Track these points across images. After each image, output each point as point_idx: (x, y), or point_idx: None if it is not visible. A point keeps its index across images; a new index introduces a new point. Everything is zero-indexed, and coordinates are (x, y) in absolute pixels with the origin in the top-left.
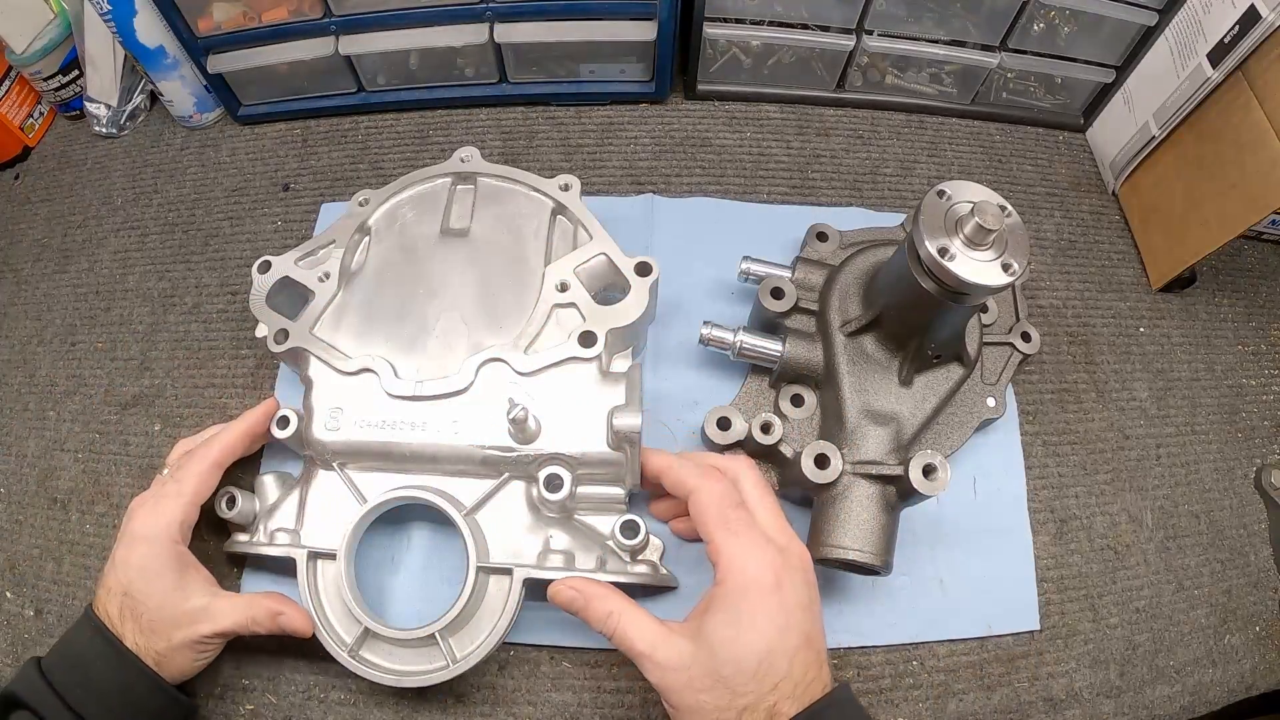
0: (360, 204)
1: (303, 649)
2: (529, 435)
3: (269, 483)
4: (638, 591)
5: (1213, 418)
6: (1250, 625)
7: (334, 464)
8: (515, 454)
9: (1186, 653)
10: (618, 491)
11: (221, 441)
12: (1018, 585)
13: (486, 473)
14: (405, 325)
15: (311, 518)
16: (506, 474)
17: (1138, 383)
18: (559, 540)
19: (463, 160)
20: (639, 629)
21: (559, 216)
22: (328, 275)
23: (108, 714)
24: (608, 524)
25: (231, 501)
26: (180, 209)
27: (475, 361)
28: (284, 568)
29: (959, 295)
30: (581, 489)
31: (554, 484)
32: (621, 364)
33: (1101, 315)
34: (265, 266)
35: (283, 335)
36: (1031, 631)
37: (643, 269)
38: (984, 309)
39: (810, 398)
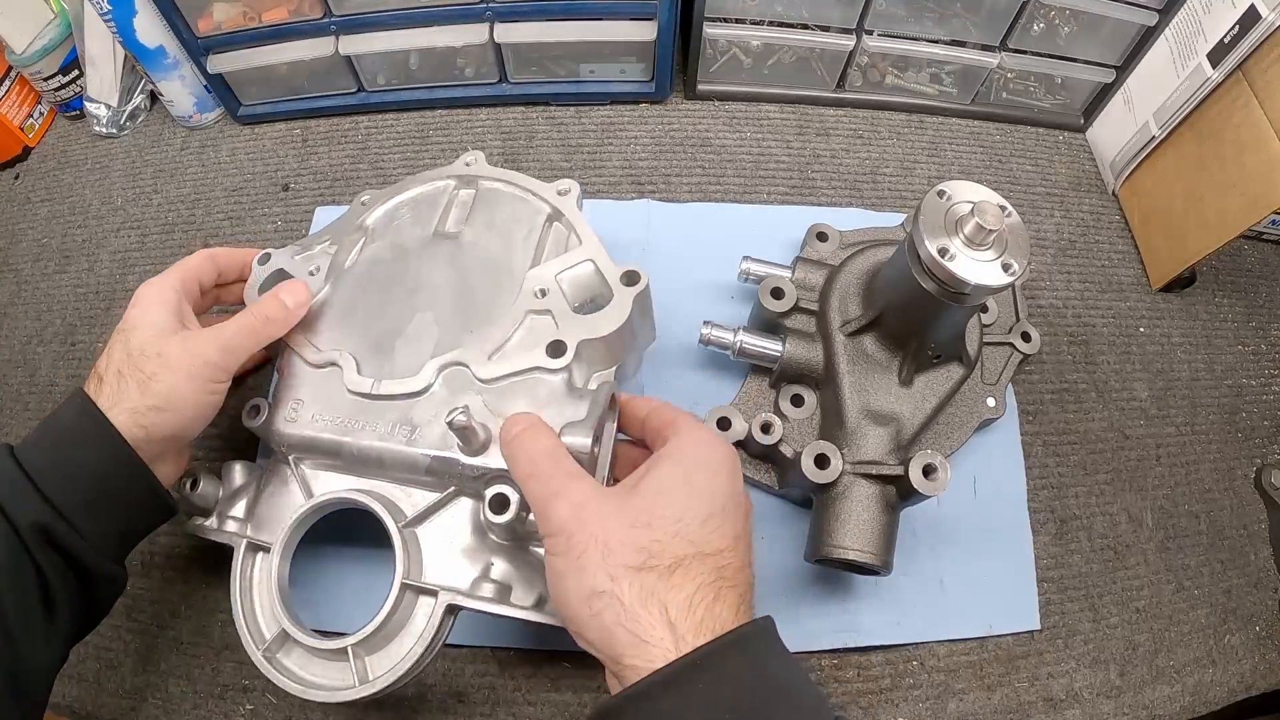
0: (362, 203)
1: None
2: (476, 447)
3: (236, 470)
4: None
5: (1213, 418)
6: (1250, 625)
7: (290, 458)
8: (460, 466)
9: (1186, 653)
10: None
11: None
12: (1018, 585)
13: (434, 484)
14: (379, 324)
15: (262, 509)
16: (453, 488)
17: (1138, 383)
18: (498, 569)
19: (467, 165)
20: (552, 441)
21: (554, 223)
22: (317, 270)
23: (84, 501)
24: None
25: (194, 484)
26: (180, 209)
27: (436, 364)
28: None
29: (959, 295)
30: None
31: (499, 504)
32: (589, 380)
33: (1101, 315)
34: (265, 259)
35: None
36: (1031, 631)
37: (630, 278)
38: (984, 309)
39: (810, 398)
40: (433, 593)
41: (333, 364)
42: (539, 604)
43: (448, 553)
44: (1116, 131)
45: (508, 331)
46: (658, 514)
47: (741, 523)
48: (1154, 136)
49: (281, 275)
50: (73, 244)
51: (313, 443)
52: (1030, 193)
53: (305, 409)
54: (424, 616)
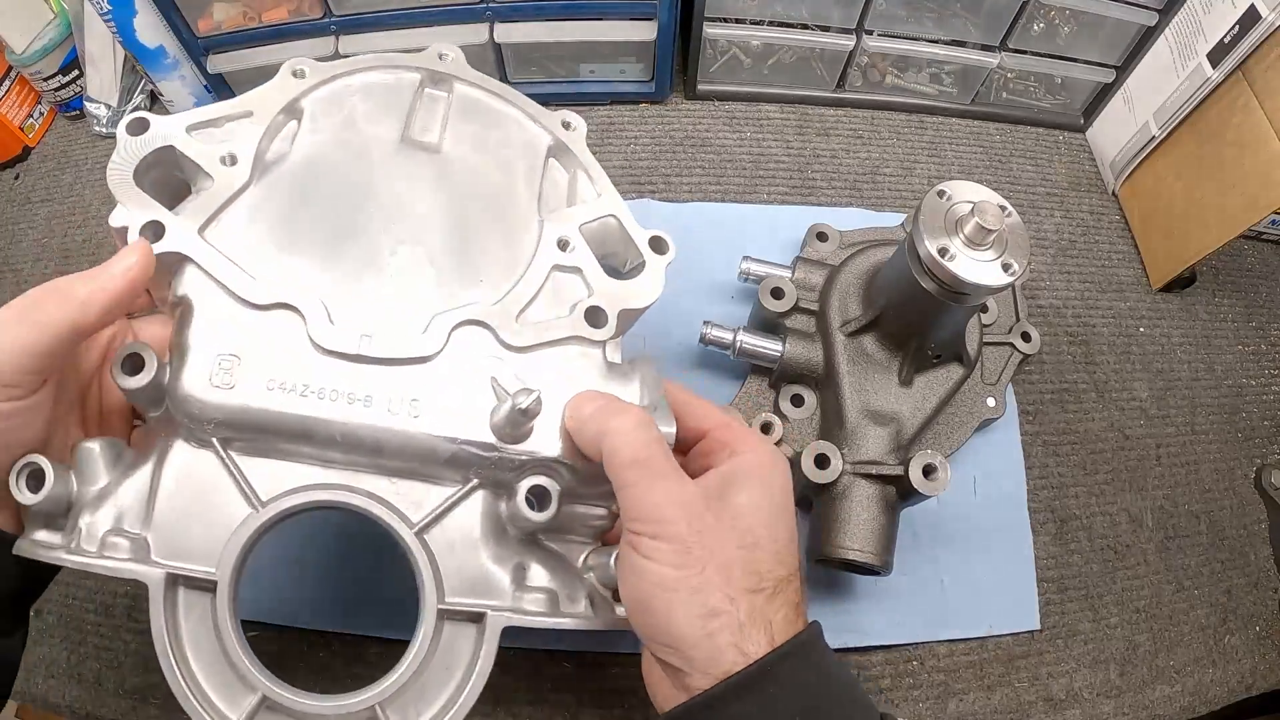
0: (295, 74)
1: (303, 653)
2: (523, 433)
3: (96, 454)
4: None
5: (1213, 418)
6: (1250, 625)
7: (213, 439)
8: (497, 455)
9: (1186, 653)
10: (599, 512)
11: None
12: (1018, 585)
13: (447, 476)
14: (347, 251)
15: (169, 517)
16: (475, 481)
17: (1138, 383)
18: (537, 574)
19: (442, 57)
20: (657, 429)
21: (553, 160)
22: (234, 158)
23: None
24: (577, 554)
25: (37, 478)
26: None
27: (447, 321)
28: (127, 593)
29: (959, 295)
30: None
31: (539, 499)
32: (614, 355)
33: (1101, 315)
34: (141, 125)
35: (155, 230)
36: (1031, 631)
37: (658, 245)
38: (984, 309)
39: (810, 398)
40: (478, 615)
41: (286, 306)
42: (591, 609)
43: (471, 560)
44: (1116, 131)
45: (533, 288)
46: (760, 534)
47: (797, 555)
48: (1154, 136)
49: (168, 157)
50: (73, 244)
51: (264, 420)
52: (1030, 193)
53: (247, 369)
54: (468, 645)
